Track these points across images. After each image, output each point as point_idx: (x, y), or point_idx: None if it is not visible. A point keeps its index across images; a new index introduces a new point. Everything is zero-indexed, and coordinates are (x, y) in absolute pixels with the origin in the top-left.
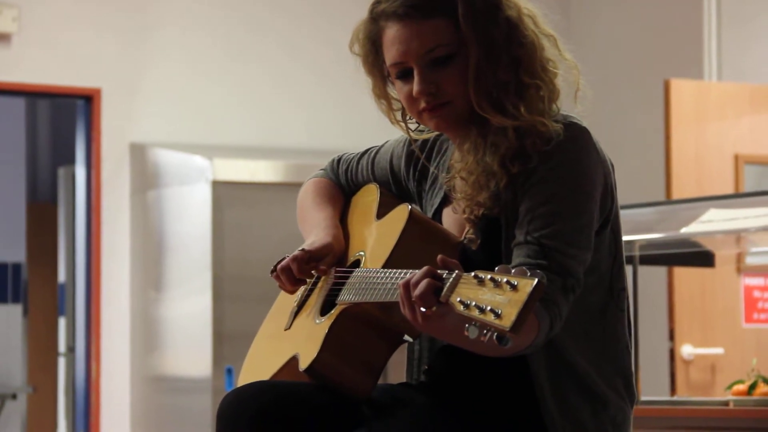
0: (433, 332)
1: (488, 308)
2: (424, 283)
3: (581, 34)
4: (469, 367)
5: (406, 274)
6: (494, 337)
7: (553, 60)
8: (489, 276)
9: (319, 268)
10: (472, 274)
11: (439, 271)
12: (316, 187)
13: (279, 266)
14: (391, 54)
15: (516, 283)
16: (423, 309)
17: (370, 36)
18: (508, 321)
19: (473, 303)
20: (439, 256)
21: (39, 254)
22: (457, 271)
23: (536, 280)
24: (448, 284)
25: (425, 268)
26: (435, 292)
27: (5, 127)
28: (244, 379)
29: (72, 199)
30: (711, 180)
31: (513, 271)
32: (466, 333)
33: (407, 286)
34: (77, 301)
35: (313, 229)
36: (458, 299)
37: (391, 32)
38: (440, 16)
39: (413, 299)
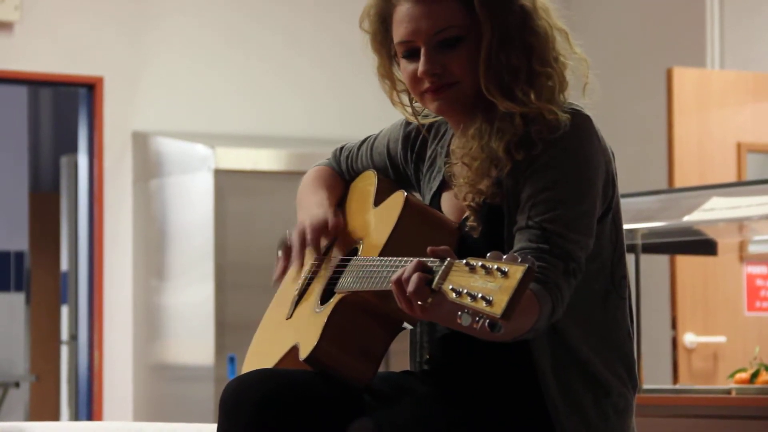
0: (432, 319)
1: (479, 295)
2: (414, 278)
3: (583, 22)
4: (471, 354)
5: (403, 261)
6: (486, 324)
7: (564, 54)
8: (480, 263)
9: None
10: (464, 261)
11: (429, 262)
12: (315, 174)
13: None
14: (399, 32)
15: (507, 270)
16: (420, 302)
17: (381, 13)
18: (498, 308)
19: (465, 290)
20: (429, 248)
21: (41, 243)
22: (448, 259)
23: (527, 266)
24: (439, 273)
25: (414, 262)
26: (427, 283)
27: (8, 115)
28: (247, 367)
29: (74, 188)
30: (713, 168)
31: (504, 257)
32: (459, 321)
33: (399, 283)
34: (80, 290)
35: (306, 213)
36: (450, 287)
37: (403, 10)
38: None
39: (408, 295)
